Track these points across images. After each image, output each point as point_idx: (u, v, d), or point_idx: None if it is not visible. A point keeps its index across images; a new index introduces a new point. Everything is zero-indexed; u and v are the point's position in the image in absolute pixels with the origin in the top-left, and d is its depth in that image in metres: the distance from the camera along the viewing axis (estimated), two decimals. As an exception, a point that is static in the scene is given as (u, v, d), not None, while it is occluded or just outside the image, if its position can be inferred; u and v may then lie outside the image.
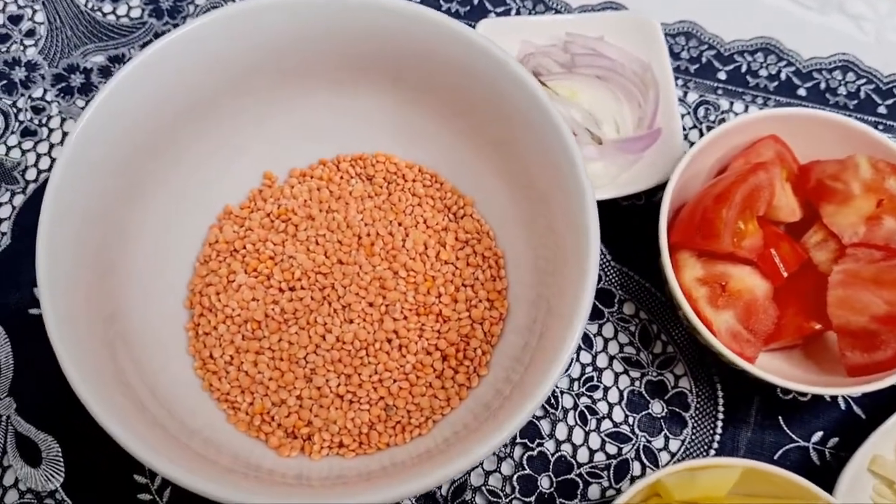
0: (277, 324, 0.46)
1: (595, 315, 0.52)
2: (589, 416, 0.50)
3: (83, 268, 0.41)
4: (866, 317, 0.44)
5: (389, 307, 0.46)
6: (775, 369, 0.46)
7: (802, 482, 0.41)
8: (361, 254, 0.48)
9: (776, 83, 0.59)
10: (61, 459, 0.48)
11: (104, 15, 0.61)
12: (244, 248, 0.48)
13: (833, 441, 0.49)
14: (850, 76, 0.60)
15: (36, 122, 0.57)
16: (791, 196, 0.49)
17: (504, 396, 0.42)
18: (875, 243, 0.47)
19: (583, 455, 0.49)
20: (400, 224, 0.49)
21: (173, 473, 0.35)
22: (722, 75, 0.59)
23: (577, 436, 0.49)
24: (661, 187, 0.52)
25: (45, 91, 0.58)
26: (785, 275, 0.47)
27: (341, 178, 0.51)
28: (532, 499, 0.48)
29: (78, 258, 0.41)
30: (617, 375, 0.51)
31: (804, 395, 0.50)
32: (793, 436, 0.50)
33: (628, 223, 0.54)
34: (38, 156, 0.56)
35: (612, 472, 0.49)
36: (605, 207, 0.54)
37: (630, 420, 0.50)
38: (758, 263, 0.47)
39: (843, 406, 0.50)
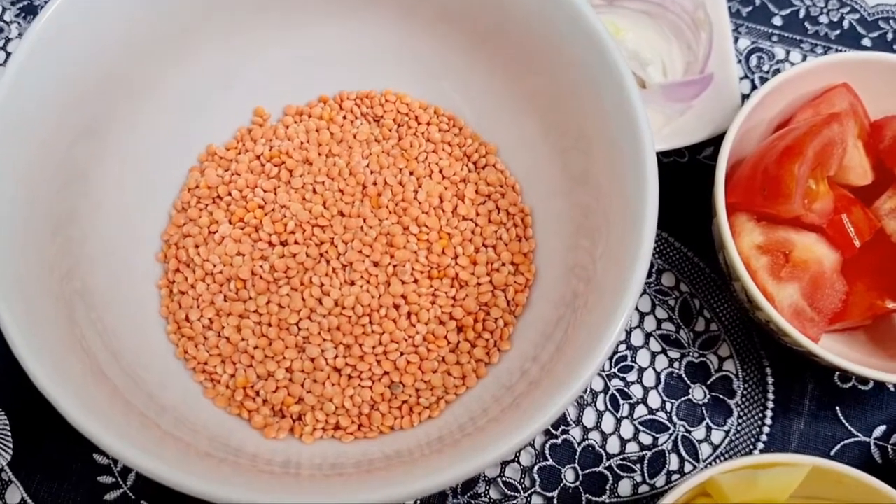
0: (266, 283, 0.39)
1: (630, 286, 0.45)
2: (621, 401, 0.43)
3: (34, 217, 0.34)
4: (955, 294, 0.38)
5: (398, 268, 0.40)
6: (836, 353, 0.40)
7: (879, 485, 0.35)
8: (366, 205, 0.41)
9: (838, 31, 0.52)
10: (9, 434, 0.41)
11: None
12: (229, 194, 0.42)
13: (896, 437, 0.43)
14: (920, 28, 0.53)
15: (-8, 45, 0.50)
16: (863, 155, 0.43)
17: (531, 381, 0.35)
18: (960, 210, 0.40)
19: (613, 445, 0.43)
20: (411, 173, 0.42)
21: (134, 458, 0.29)
22: (777, 20, 0.53)
23: (608, 423, 0.43)
24: (709, 142, 0.46)
25: (4, 10, 0.51)
26: (857, 244, 0.40)
27: (344, 118, 0.44)
28: (554, 494, 0.41)
29: (28, 205, 0.34)
30: (654, 355, 0.44)
31: (865, 383, 0.44)
32: (852, 429, 0.43)
33: (670, 183, 0.47)
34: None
35: (645, 465, 0.42)
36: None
37: (668, 406, 0.43)
38: (826, 231, 0.41)
39: (908, 397, 0.44)
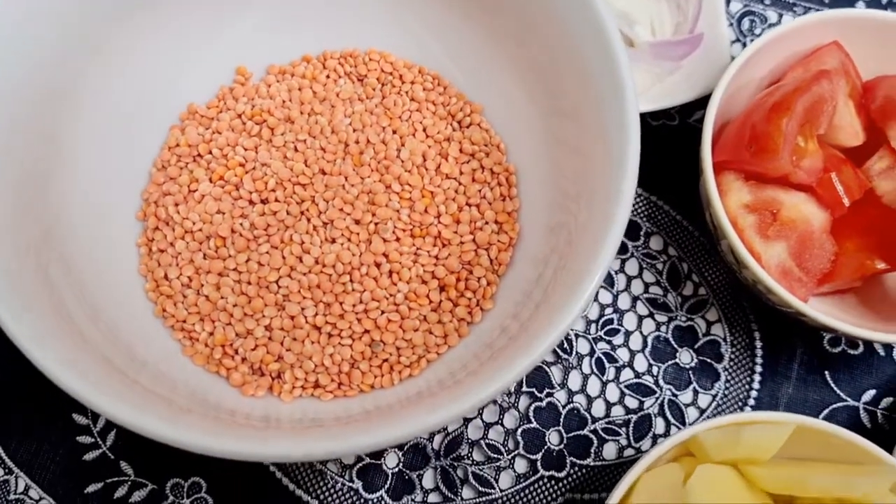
0: (246, 241, 0.39)
1: (618, 249, 0.45)
2: (607, 364, 0.43)
3: (6, 180, 0.33)
4: (945, 252, 0.37)
5: (379, 226, 0.39)
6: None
7: (865, 444, 0.34)
8: (348, 163, 0.40)
9: (832, -5, 0.52)
10: (-14, 393, 0.41)
11: None
12: (210, 153, 0.41)
13: (887, 401, 0.43)
14: (915, -8, 0.52)
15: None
16: (854, 115, 0.42)
17: (510, 336, 0.35)
18: (953, 170, 0.40)
19: (598, 408, 0.42)
20: (395, 131, 0.41)
21: (113, 410, 0.28)
22: (770, -17, 0.52)
23: (593, 386, 0.42)
24: (699, 106, 0.45)
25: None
26: (847, 203, 0.40)
27: (327, 77, 0.43)
28: (538, 456, 0.41)
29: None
30: (640, 319, 0.44)
31: (855, 347, 0.44)
32: (841, 394, 0.43)
33: (659, 146, 0.47)
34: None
35: (631, 428, 0.42)
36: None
37: (654, 370, 0.43)
38: (815, 190, 0.40)
39: (898, 362, 0.44)
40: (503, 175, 0.41)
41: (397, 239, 0.39)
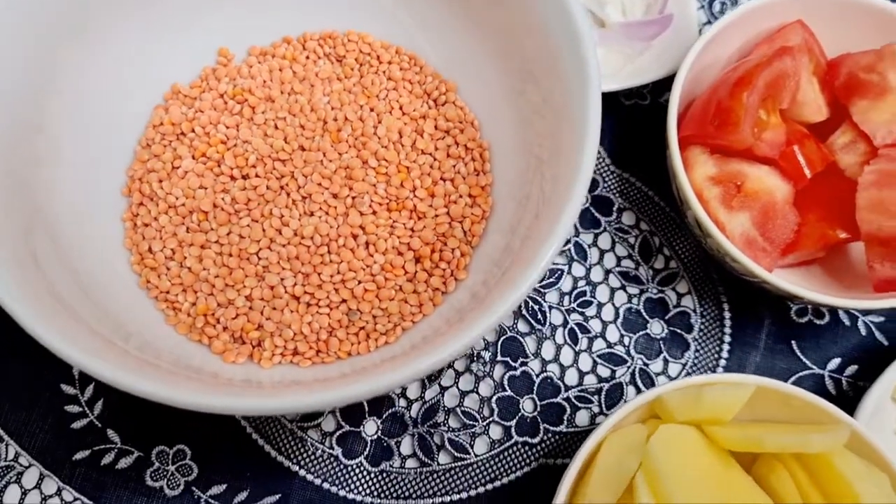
0: (227, 215, 0.40)
1: (591, 224, 0.46)
2: (580, 335, 0.44)
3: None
4: (902, 220, 0.38)
5: (356, 199, 0.40)
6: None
7: (824, 404, 0.36)
8: (326, 140, 0.42)
9: (802, -22, 0.53)
10: (-22, 364, 0.42)
11: None
12: (192, 131, 0.42)
13: (852, 369, 0.44)
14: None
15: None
16: (818, 92, 0.43)
17: (478, 300, 0.36)
18: (912, 144, 0.41)
19: (571, 377, 0.43)
20: (372, 109, 0.43)
21: (104, 371, 0.29)
22: (741, -33, 0.53)
23: (566, 356, 0.44)
24: (669, 85, 0.46)
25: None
26: (808, 175, 0.41)
27: (307, 58, 0.44)
28: (512, 423, 0.42)
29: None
30: (613, 291, 0.45)
31: (821, 317, 0.45)
32: (807, 362, 0.44)
33: (632, 125, 0.48)
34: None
35: (603, 396, 0.43)
36: (605, 105, 0.48)
37: (626, 340, 0.44)
38: (778, 163, 0.41)
39: (863, 331, 0.45)
40: (477, 151, 0.42)
41: (374, 212, 0.40)
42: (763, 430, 0.35)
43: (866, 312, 0.45)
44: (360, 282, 0.39)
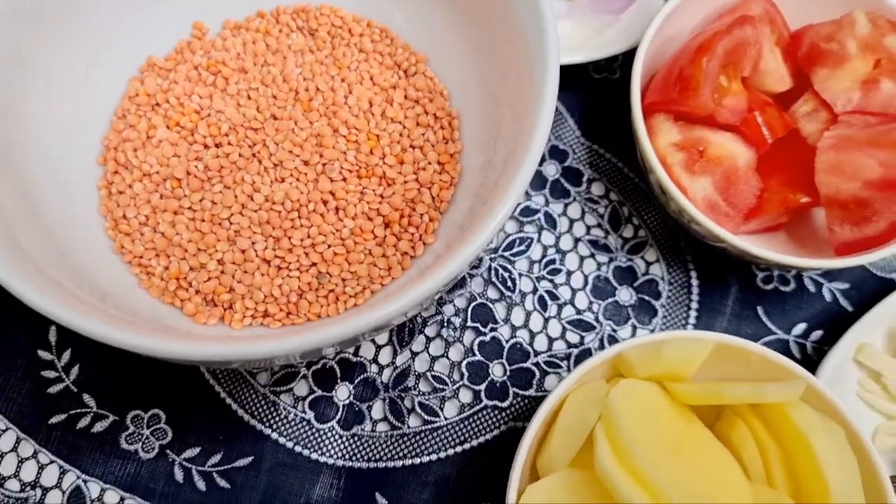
0: (200, 182, 0.41)
1: (561, 194, 0.47)
2: (549, 302, 0.45)
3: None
4: (858, 182, 0.39)
5: (327, 166, 0.41)
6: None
7: (781, 360, 0.36)
8: (298, 109, 0.42)
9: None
10: (-45, 330, 0.43)
11: None
12: (167, 101, 0.43)
13: (817, 334, 0.45)
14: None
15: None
16: (780, 62, 0.44)
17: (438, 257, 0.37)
18: (870, 111, 0.42)
19: (541, 343, 0.44)
20: (343, 80, 0.44)
21: (83, 324, 0.30)
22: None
23: (536, 322, 0.44)
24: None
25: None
26: (770, 140, 0.42)
27: (280, 31, 0.45)
28: (482, 387, 0.43)
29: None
30: (582, 259, 0.46)
31: (786, 284, 0.46)
32: (772, 327, 0.45)
33: (601, 98, 0.49)
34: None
35: (572, 362, 0.44)
36: (575, 79, 0.49)
37: (595, 307, 0.45)
38: (741, 130, 0.42)
39: (828, 298, 0.46)
40: (446, 119, 0.43)
41: (344, 178, 0.41)
42: (721, 385, 0.35)
43: (831, 279, 0.46)
44: (329, 246, 0.40)
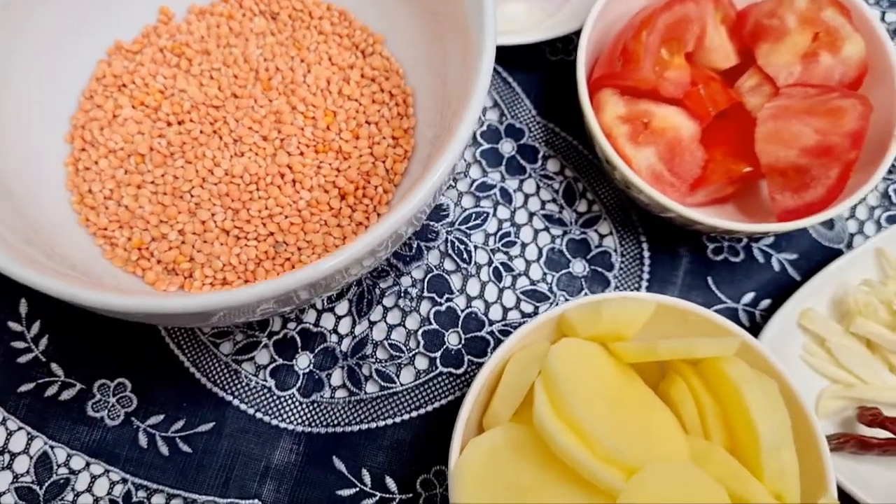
0: (162, 157, 0.43)
1: (517, 171, 0.48)
2: (504, 273, 0.46)
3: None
4: (796, 150, 0.41)
5: (285, 141, 0.43)
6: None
7: (718, 318, 0.38)
8: (258, 88, 0.44)
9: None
10: (-71, 303, 0.44)
11: None
12: (133, 82, 0.45)
13: (765, 303, 0.46)
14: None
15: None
16: (726, 39, 0.46)
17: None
18: (811, 83, 0.43)
19: (496, 313, 0.45)
20: (302, 60, 0.45)
21: (50, 284, 0.31)
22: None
23: (491, 293, 0.46)
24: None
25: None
26: (713, 112, 0.43)
27: (243, 15, 0.47)
28: (437, 354, 0.44)
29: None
30: (536, 232, 0.47)
31: (736, 255, 0.47)
32: (721, 296, 0.46)
33: (557, 79, 0.51)
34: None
35: (526, 331, 0.45)
36: (532, 61, 0.50)
37: (548, 278, 0.46)
38: (685, 103, 0.44)
39: (777, 268, 0.47)
40: (401, 97, 0.45)
41: (301, 153, 0.43)
42: (657, 341, 0.37)
43: (780, 250, 0.47)
44: (286, 216, 0.42)
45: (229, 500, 0.42)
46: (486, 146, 0.49)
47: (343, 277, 0.35)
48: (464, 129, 0.34)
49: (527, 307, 0.46)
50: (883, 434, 0.41)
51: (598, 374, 0.36)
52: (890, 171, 0.49)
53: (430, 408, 0.43)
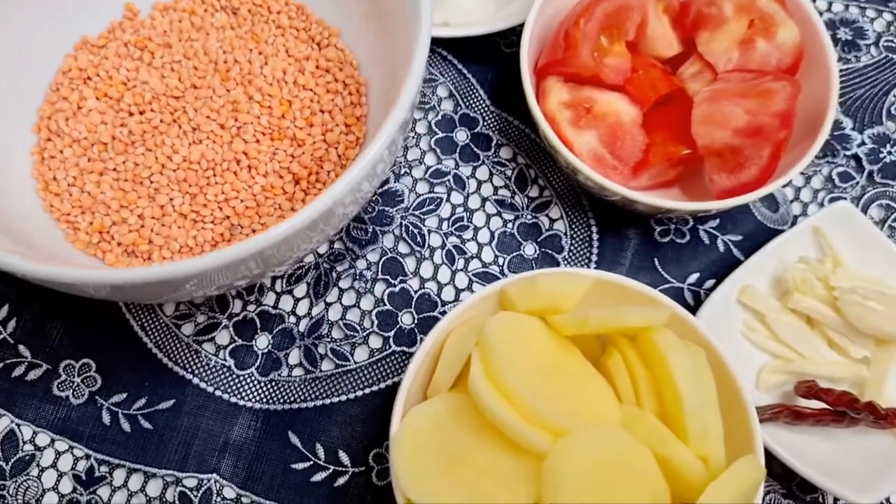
0: (124, 145, 0.44)
1: (470, 158, 0.50)
2: (457, 256, 0.48)
3: None
4: (729, 131, 0.42)
5: (241, 129, 0.45)
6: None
7: (652, 292, 0.39)
8: (216, 79, 0.46)
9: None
10: None
11: None
12: (97, 75, 0.47)
13: (710, 283, 0.48)
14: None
15: None
16: (668, 29, 0.47)
17: None
18: (749, 69, 0.45)
19: (448, 294, 0.47)
20: (260, 53, 0.47)
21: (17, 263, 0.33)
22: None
23: (443, 274, 0.47)
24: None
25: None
26: (653, 97, 0.45)
27: (205, 10, 0.49)
28: (391, 334, 0.46)
29: None
30: (489, 217, 0.49)
31: (682, 237, 0.49)
32: (667, 277, 0.48)
33: (510, 70, 0.52)
34: None
35: (478, 311, 0.46)
36: (487, 54, 0.52)
37: (500, 261, 0.48)
38: (627, 90, 0.45)
39: (722, 249, 0.48)
40: (354, 86, 0.46)
41: (257, 140, 0.44)
42: (589, 312, 0.38)
43: (725, 232, 0.49)
44: (242, 200, 0.43)
45: (188, 474, 0.43)
46: (440, 135, 0.50)
47: (291, 251, 0.36)
48: (398, 111, 0.36)
49: (479, 288, 0.47)
50: (817, 405, 0.42)
51: (534, 346, 0.38)
52: (833, 155, 0.50)
53: (383, 385, 0.45)
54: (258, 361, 0.45)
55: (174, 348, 0.45)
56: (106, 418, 0.44)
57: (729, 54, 0.45)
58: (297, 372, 0.45)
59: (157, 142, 0.44)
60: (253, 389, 0.45)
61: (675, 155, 0.44)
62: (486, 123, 0.51)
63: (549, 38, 0.46)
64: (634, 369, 0.38)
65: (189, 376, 0.45)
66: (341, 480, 0.43)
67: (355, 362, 0.45)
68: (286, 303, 0.46)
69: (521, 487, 0.34)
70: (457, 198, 0.49)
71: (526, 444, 0.34)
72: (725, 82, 0.44)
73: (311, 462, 0.43)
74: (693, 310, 0.46)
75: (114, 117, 0.45)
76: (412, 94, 0.36)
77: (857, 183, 0.50)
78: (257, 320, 0.46)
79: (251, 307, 0.46)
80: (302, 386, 0.45)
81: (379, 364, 0.45)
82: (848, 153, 0.51)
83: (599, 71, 0.44)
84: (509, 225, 0.49)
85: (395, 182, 0.49)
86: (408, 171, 0.49)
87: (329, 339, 0.46)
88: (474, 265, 0.48)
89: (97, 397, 0.44)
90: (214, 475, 0.43)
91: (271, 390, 0.45)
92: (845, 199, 0.49)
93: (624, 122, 0.44)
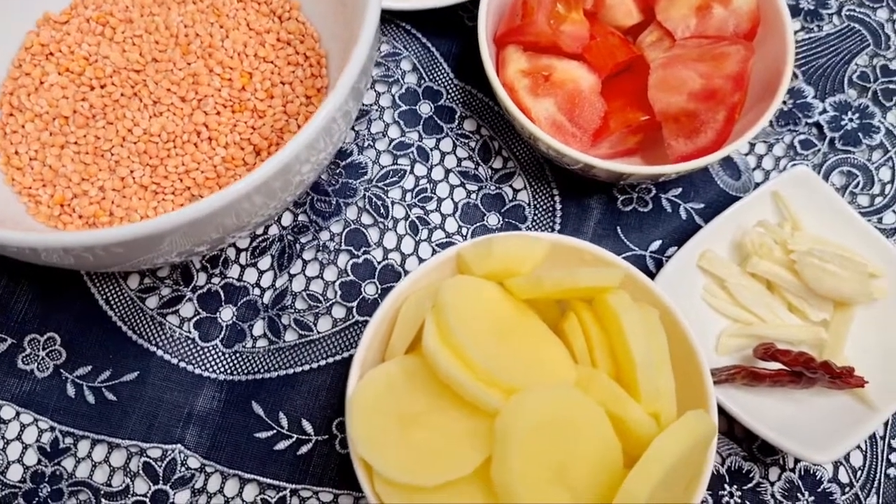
0: (85, 119, 0.45)
1: (434, 130, 0.50)
2: (420, 227, 0.48)
3: None
4: (684, 95, 0.43)
5: (202, 101, 0.45)
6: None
7: (609, 256, 0.39)
8: (177, 52, 0.46)
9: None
10: None
11: None
12: (59, 51, 0.47)
13: (672, 250, 0.48)
14: None
15: None
16: (627, -3, 0.48)
17: None
18: (706, 35, 0.45)
19: (412, 264, 0.47)
20: (221, 26, 0.47)
21: None
22: None
23: (407, 245, 0.48)
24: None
25: None
26: (611, 64, 0.45)
27: (167, -14, 0.49)
28: (354, 304, 0.46)
29: None
30: (452, 188, 0.49)
31: (644, 205, 0.49)
32: (630, 244, 0.48)
33: (473, 44, 0.52)
34: None
35: (442, 281, 0.47)
36: (450, 27, 0.53)
37: (463, 231, 0.48)
38: (585, 57, 0.45)
39: (684, 216, 0.49)
40: (315, 58, 0.47)
41: (217, 112, 0.45)
42: (543, 275, 0.38)
43: (688, 200, 0.49)
44: (202, 172, 0.44)
45: (152, 445, 0.43)
46: (404, 108, 0.51)
47: (250, 216, 0.36)
48: (346, 77, 0.36)
49: (442, 259, 0.47)
50: (776, 366, 0.42)
51: (489, 308, 0.38)
52: (795, 123, 0.51)
53: (346, 354, 0.45)
54: (222, 333, 0.46)
55: (139, 321, 0.46)
56: (70, 391, 0.44)
57: (687, 21, 0.45)
58: (261, 343, 0.45)
59: (117, 115, 0.45)
60: (217, 361, 0.45)
61: (633, 121, 0.45)
62: (449, 96, 0.51)
63: (508, 7, 0.46)
64: (590, 331, 0.38)
65: (153, 349, 0.45)
66: (304, 448, 0.43)
67: (318, 332, 0.45)
68: (250, 275, 0.47)
69: (474, 443, 0.34)
70: (420, 169, 0.49)
71: (478, 403, 0.34)
72: (682, 48, 0.44)
73: (275, 431, 0.44)
74: (654, 275, 0.47)
75: (75, 91, 0.45)
76: (363, 57, 0.36)
77: (819, 150, 0.50)
78: (221, 293, 0.46)
79: (216, 280, 0.47)
80: (266, 356, 0.45)
81: (342, 334, 0.45)
82: (810, 121, 0.51)
83: (557, 38, 0.44)
84: (473, 196, 0.49)
85: (358, 154, 0.49)
86: (371, 143, 0.49)
87: (293, 310, 0.46)
88: (438, 235, 0.48)
89: (62, 370, 0.45)
90: (179, 445, 0.43)
91: (235, 361, 0.45)
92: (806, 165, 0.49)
93: (582, 89, 0.45)
